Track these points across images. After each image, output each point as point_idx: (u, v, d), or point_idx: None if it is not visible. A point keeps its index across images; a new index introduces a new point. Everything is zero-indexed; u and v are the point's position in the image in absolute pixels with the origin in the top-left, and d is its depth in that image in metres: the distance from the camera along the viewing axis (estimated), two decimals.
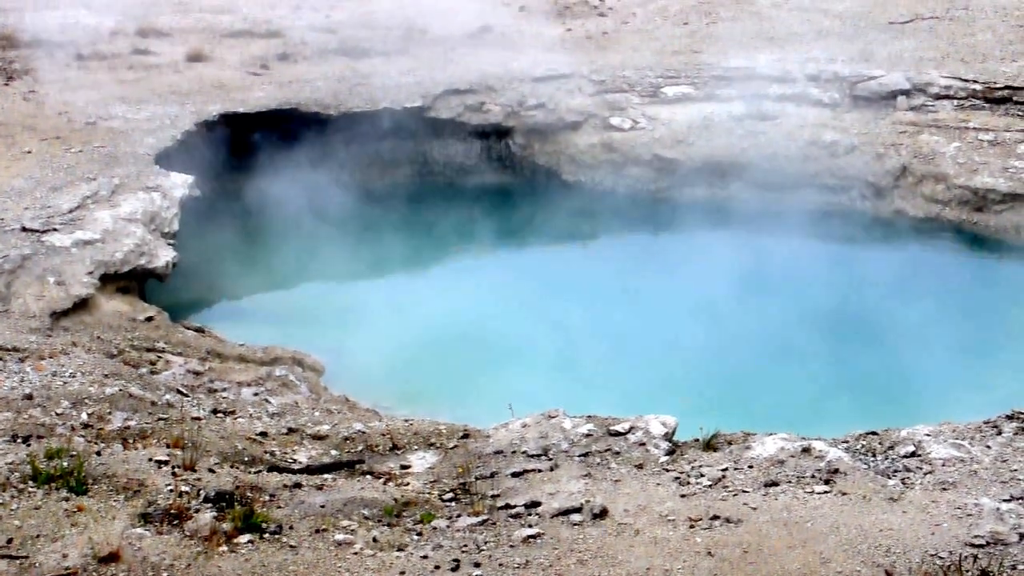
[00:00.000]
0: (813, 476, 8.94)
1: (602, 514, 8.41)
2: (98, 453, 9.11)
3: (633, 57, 22.93)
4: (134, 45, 23.77)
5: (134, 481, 8.68)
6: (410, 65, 22.54)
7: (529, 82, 21.38)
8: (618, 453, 9.74)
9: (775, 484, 8.83)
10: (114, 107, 19.41)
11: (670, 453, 9.77)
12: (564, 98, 21.14)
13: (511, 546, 8.03)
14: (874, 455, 9.43)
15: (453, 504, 8.96)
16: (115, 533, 7.83)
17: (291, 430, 10.73)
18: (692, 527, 8.16)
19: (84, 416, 9.99)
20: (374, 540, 8.12)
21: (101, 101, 19.75)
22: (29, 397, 10.13)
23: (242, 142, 19.38)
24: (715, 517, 8.28)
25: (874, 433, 9.90)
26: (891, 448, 9.51)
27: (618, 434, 10.06)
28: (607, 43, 24.55)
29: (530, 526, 8.32)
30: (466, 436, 10.58)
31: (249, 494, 8.71)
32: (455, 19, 25.66)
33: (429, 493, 9.23)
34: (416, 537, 8.23)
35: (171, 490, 8.56)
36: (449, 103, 20.78)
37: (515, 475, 9.40)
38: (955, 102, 20.22)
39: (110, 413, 10.15)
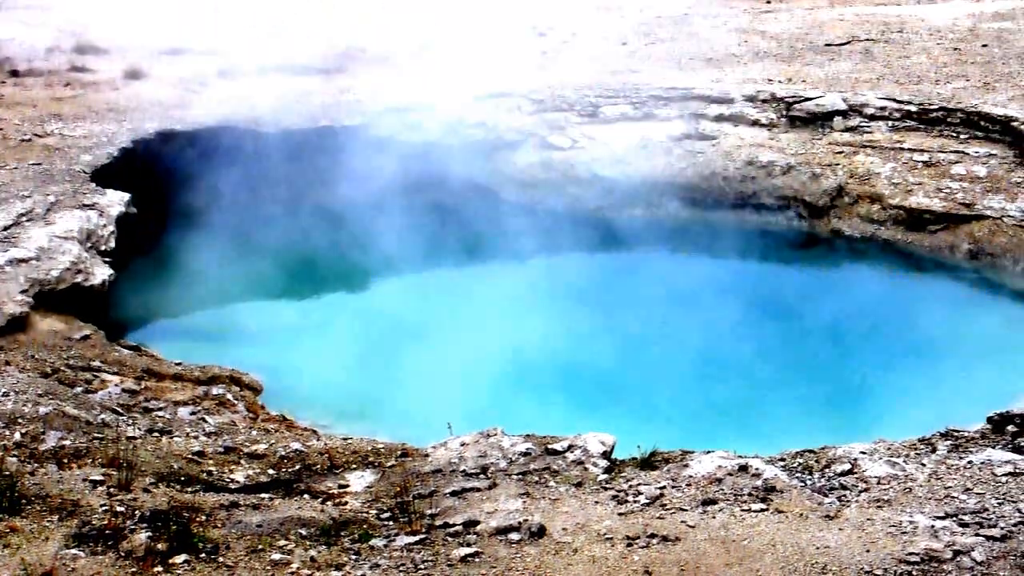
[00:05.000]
0: (750, 494, 8.99)
1: (540, 533, 8.42)
2: (32, 473, 9.01)
3: (572, 77, 23.01)
4: (71, 62, 23.62)
5: (68, 501, 8.59)
6: (349, 83, 22.55)
7: (469, 101, 21.39)
8: (556, 471, 9.76)
9: (712, 502, 8.87)
10: (50, 124, 19.26)
11: (608, 471, 9.80)
12: (503, 117, 21.18)
13: (449, 565, 8.01)
14: (810, 473, 9.51)
15: (391, 523, 8.93)
16: (48, 554, 7.74)
17: (228, 449, 10.66)
18: (630, 545, 8.18)
19: (18, 435, 9.89)
20: (311, 559, 8.07)
21: (37, 118, 19.59)
22: None
23: (179, 159, 19.21)
24: (653, 535, 8.30)
25: (811, 451, 10.00)
26: (827, 466, 9.59)
27: (556, 452, 10.08)
28: (547, 63, 24.63)
29: (468, 545, 8.31)
30: (405, 455, 10.57)
31: (185, 514, 8.64)
32: (395, 37, 25.66)
33: (367, 512, 9.19)
34: (354, 556, 8.20)
35: (106, 510, 8.48)
36: (387, 121, 20.74)
37: (453, 494, 9.39)
38: (890, 123, 20.43)
39: (44, 432, 10.04)
